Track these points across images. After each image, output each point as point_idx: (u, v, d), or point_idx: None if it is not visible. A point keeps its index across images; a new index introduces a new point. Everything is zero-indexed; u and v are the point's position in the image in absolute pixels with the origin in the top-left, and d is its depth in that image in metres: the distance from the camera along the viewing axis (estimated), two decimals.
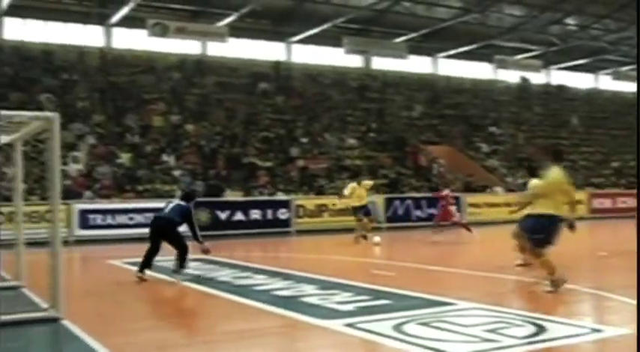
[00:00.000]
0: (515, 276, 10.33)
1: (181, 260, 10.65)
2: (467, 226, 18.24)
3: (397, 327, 6.77)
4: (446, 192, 18.19)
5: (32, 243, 10.29)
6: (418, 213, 23.48)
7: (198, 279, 10.61)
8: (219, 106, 28.70)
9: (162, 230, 10.75)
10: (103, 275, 11.92)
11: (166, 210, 10.92)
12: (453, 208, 17.98)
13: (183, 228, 10.93)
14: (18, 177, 10.13)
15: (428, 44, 36.28)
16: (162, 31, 28.26)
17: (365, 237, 17.38)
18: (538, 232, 8.74)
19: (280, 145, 26.86)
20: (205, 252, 11.19)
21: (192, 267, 11.92)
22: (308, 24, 31.53)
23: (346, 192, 18.02)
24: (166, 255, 10.96)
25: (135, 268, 10.91)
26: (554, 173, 8.82)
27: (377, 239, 16.75)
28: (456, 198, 24.88)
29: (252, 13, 29.76)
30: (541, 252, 8.82)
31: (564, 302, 8.51)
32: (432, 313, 7.47)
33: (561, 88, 42.40)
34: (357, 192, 17.70)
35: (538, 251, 8.83)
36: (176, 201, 11.17)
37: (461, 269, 11.93)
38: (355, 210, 17.75)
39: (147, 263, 10.76)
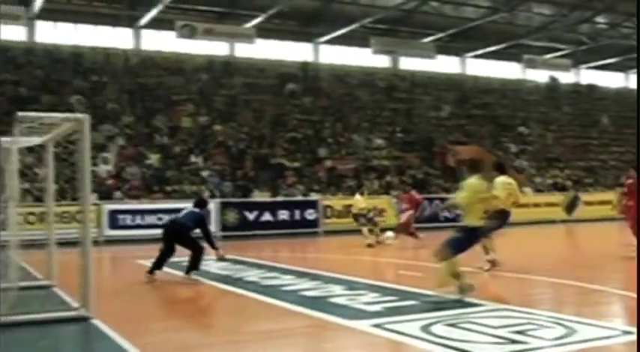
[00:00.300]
0: (543, 277, 10.24)
1: (194, 261, 10.67)
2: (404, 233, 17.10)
3: (425, 328, 6.76)
4: (418, 195, 17.77)
5: (63, 243, 10.42)
6: (446, 213, 23.24)
7: (225, 279, 10.66)
8: (247, 107, 28.80)
9: (176, 234, 10.88)
10: (132, 274, 12.02)
11: (180, 215, 11.10)
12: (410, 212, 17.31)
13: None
14: (49, 178, 10.30)
15: (456, 44, 36.10)
16: (191, 33, 28.52)
17: (379, 242, 17.12)
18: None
19: (308, 146, 26.89)
20: (220, 258, 11.27)
21: (220, 267, 12.00)
22: (335, 24, 31.54)
23: (354, 210, 17.99)
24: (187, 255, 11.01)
25: (165, 269, 11.02)
26: (471, 183, 8.68)
27: (369, 241, 16.73)
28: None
29: (279, 14, 29.88)
30: (449, 258, 8.38)
31: (593, 304, 8.42)
32: (459, 314, 7.44)
33: (591, 88, 41.88)
34: (360, 201, 17.68)
35: (447, 255, 8.39)
36: (190, 208, 11.30)
37: None
38: (356, 217, 17.62)
39: (159, 264, 10.89)
